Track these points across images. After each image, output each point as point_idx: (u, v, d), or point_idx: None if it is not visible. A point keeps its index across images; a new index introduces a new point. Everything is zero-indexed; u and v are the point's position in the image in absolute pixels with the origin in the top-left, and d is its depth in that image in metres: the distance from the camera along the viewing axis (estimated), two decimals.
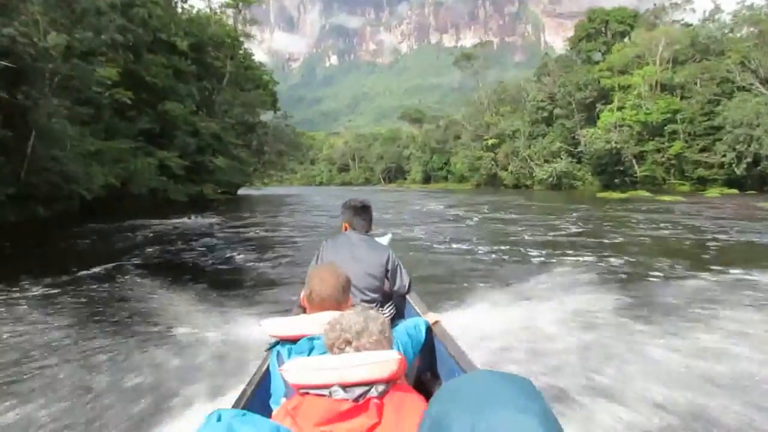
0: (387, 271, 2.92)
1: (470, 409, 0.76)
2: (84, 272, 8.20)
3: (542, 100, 60.69)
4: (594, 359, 4.01)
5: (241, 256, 10.51)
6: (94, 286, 7.18)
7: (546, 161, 58.44)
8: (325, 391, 1.21)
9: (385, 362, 1.25)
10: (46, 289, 6.89)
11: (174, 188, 28.63)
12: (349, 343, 1.36)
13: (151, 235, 14.57)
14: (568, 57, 61.39)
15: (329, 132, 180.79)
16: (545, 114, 60.87)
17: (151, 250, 11.42)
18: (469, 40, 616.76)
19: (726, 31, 48.65)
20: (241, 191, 51.55)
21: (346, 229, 3.04)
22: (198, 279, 7.84)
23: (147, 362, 4.07)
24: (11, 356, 4.23)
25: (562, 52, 70.68)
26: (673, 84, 47.41)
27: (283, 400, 1.59)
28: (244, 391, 1.86)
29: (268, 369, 1.91)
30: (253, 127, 44.43)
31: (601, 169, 51.46)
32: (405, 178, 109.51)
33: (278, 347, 1.78)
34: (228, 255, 10.63)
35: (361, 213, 3.04)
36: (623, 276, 7.96)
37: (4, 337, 4.77)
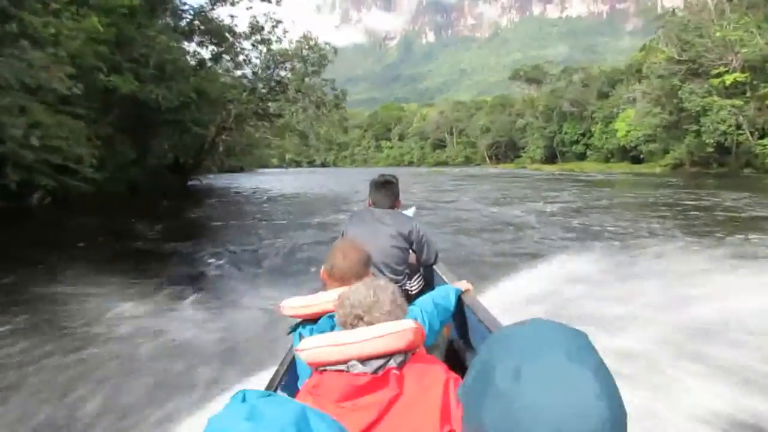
0: (412, 242, 2.74)
1: (518, 351, 0.72)
2: None
3: None
4: None
5: None
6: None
7: None
8: (343, 366, 1.16)
9: (401, 332, 1.18)
10: None
11: None
12: (360, 318, 1.27)
13: None
14: None
15: (423, 104, 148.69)
16: None
17: None
18: (575, 9, 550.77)
19: None
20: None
21: (370, 206, 2.88)
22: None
23: (174, 346, 3.87)
24: None
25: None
26: None
27: None
28: (274, 375, 1.81)
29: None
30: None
31: None
32: (519, 156, 79.08)
33: (300, 328, 1.72)
34: None
35: (382, 189, 2.85)
36: None
37: None
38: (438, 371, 1.17)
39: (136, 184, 16.73)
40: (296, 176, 51.74)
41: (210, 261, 7.37)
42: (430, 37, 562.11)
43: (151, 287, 5.59)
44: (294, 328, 1.75)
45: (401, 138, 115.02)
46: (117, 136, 15.38)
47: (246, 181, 33.82)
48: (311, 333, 1.60)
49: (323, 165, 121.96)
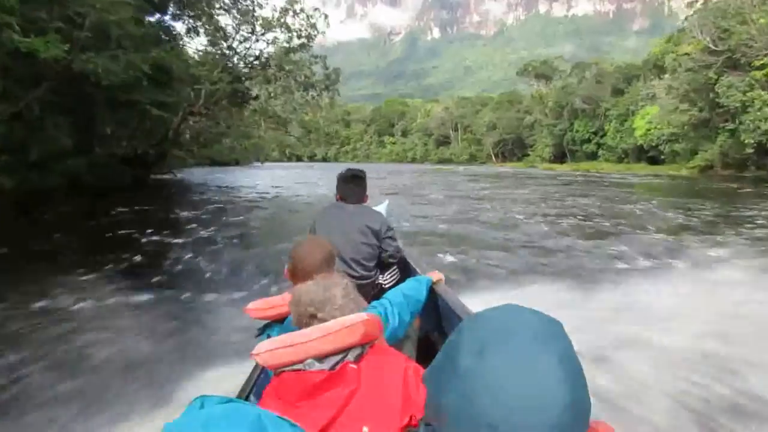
0: (382, 238, 2.68)
1: (484, 332, 0.70)
2: None
3: None
4: None
5: None
6: None
7: None
8: (300, 366, 1.14)
9: (352, 326, 1.17)
10: None
11: None
12: (314, 316, 1.27)
13: None
14: None
15: (427, 99, 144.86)
16: None
17: None
18: (581, 8, 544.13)
19: None
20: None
21: (338, 200, 2.80)
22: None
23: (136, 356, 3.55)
24: None
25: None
26: None
27: None
28: (248, 379, 1.75)
29: None
30: None
31: None
32: (527, 154, 76.40)
33: (268, 330, 1.71)
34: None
35: (351, 182, 2.76)
36: None
37: None
38: (396, 361, 1.17)
39: (78, 178, 13.41)
40: (289, 171, 48.43)
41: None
42: (435, 33, 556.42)
43: None
44: (262, 330, 1.71)
45: (404, 134, 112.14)
46: (48, 118, 12.04)
47: (230, 177, 30.01)
48: (279, 334, 1.49)
49: (324, 159, 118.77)
